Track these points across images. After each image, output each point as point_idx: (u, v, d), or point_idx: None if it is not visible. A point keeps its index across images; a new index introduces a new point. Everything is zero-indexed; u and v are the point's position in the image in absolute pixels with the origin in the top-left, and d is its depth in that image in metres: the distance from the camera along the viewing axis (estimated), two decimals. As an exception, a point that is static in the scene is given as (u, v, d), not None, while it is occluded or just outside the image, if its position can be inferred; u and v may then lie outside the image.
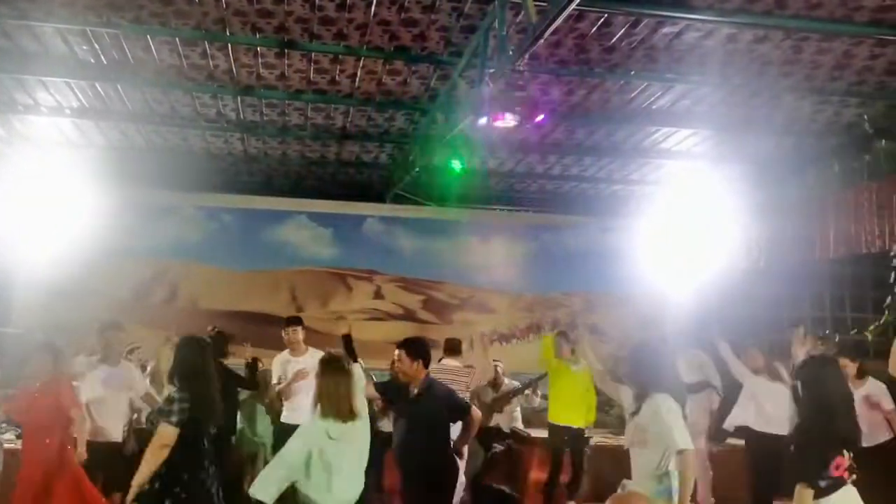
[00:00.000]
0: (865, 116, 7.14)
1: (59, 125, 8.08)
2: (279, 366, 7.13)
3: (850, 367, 6.39)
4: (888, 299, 7.23)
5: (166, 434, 4.48)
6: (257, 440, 7.68)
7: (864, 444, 4.36)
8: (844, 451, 3.59)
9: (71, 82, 6.88)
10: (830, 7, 5.13)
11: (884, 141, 7.07)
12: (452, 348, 7.58)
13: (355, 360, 5.58)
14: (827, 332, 8.35)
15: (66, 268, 8.96)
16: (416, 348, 5.35)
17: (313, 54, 6.18)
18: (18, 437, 6.47)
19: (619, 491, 3.94)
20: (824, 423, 3.63)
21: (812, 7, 5.13)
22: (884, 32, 5.44)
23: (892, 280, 7.15)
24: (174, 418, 4.48)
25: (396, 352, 5.49)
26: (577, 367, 7.51)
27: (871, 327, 7.77)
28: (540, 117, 5.15)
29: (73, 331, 8.95)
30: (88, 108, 7.54)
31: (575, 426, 7.48)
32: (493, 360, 8.90)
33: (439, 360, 7.37)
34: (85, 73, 6.58)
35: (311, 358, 6.48)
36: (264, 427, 7.68)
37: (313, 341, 7.44)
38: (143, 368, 8.15)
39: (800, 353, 6.36)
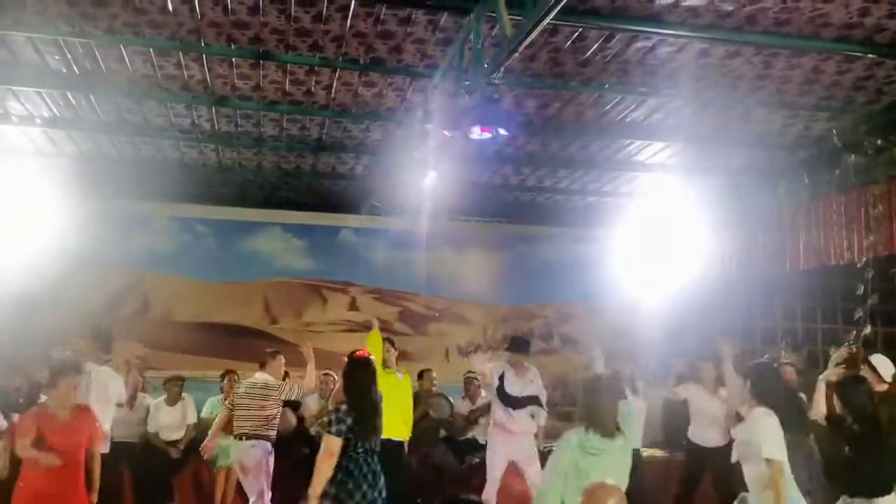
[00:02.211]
0: (835, 131, 7.27)
1: (30, 135, 7.97)
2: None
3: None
4: (858, 312, 7.32)
5: (331, 443, 4.70)
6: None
7: None
8: None
9: (42, 92, 6.80)
10: (799, 24, 5.22)
11: (853, 155, 7.18)
12: (263, 363, 7.31)
13: None
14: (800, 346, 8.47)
15: (37, 278, 8.82)
16: None
17: (289, 65, 6.17)
18: None
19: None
20: None
21: (781, 24, 5.22)
22: (851, 49, 5.56)
23: (860, 292, 7.24)
24: (333, 428, 4.72)
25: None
26: (400, 375, 7.48)
27: (849, 341, 7.86)
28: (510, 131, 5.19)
29: (43, 342, 8.87)
30: (60, 117, 7.46)
31: (395, 439, 7.16)
32: (468, 373, 8.91)
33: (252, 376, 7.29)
34: (57, 82, 6.50)
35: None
36: None
37: (286, 353, 7.44)
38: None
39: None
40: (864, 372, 5.91)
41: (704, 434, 7.29)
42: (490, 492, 7.05)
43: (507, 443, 7.02)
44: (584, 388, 4.61)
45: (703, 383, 7.37)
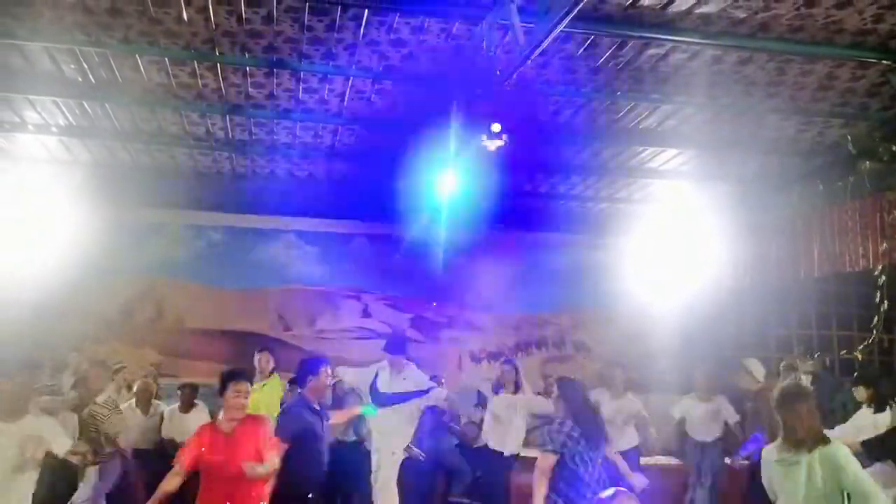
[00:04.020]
0: (849, 137, 7.23)
1: (46, 143, 8.05)
2: None
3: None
4: (875, 319, 7.27)
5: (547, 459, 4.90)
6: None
7: None
8: None
9: (58, 100, 6.87)
10: (812, 30, 5.20)
11: (867, 161, 7.14)
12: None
13: None
14: (817, 353, 8.43)
15: (51, 285, 8.87)
16: None
17: (302, 74, 6.21)
18: None
19: None
20: None
21: (795, 30, 5.20)
22: (865, 55, 5.53)
23: (877, 300, 7.19)
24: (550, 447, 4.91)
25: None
26: (259, 383, 7.28)
27: (861, 347, 7.82)
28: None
29: (57, 349, 8.93)
30: (76, 126, 7.52)
31: None
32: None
33: None
34: (72, 91, 6.56)
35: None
36: None
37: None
38: (129, 388, 8.11)
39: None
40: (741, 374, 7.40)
41: None
42: None
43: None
44: (779, 398, 4.38)
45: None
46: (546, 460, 4.95)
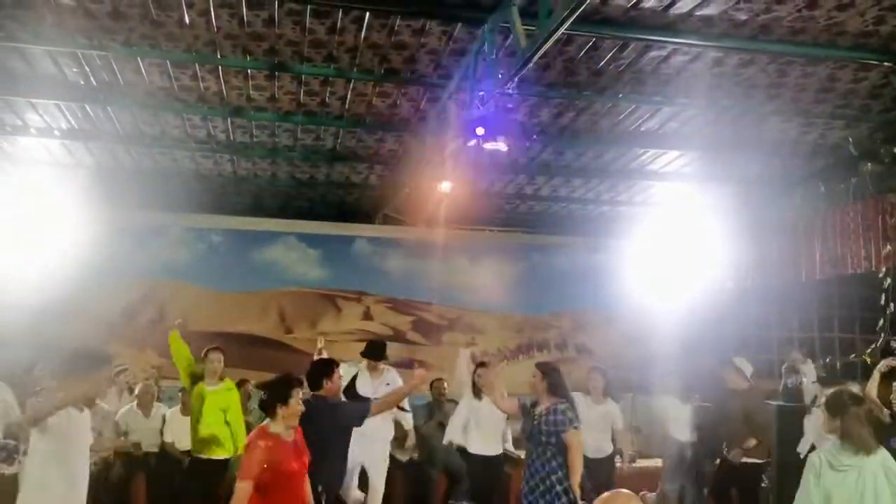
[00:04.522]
0: (851, 139, 7.22)
1: (48, 146, 8.06)
2: None
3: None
4: (881, 321, 7.26)
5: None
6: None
7: None
8: None
9: (60, 104, 6.88)
10: (814, 32, 5.20)
11: (869, 163, 7.14)
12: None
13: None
14: (828, 358, 8.43)
15: (54, 288, 8.88)
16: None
17: (303, 76, 6.21)
18: None
19: None
20: None
21: (796, 32, 5.20)
22: (866, 57, 5.53)
23: (882, 302, 7.17)
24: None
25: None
26: (213, 386, 6.77)
27: (868, 350, 7.80)
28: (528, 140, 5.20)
29: (59, 352, 8.92)
30: (78, 129, 7.53)
31: (219, 457, 6.68)
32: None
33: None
34: (75, 94, 6.58)
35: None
36: None
37: (305, 363, 7.41)
38: (131, 390, 8.12)
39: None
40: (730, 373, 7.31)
41: None
42: None
43: (358, 445, 6.32)
44: (834, 402, 4.28)
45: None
46: (578, 437, 5.40)
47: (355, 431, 5.59)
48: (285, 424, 4.49)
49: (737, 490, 7.32)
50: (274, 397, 4.50)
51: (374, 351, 7.17)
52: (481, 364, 7.23)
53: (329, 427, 5.18)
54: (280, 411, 4.46)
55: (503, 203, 10.17)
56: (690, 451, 7.47)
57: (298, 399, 4.54)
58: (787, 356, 7.99)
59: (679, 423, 7.57)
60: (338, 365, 5.72)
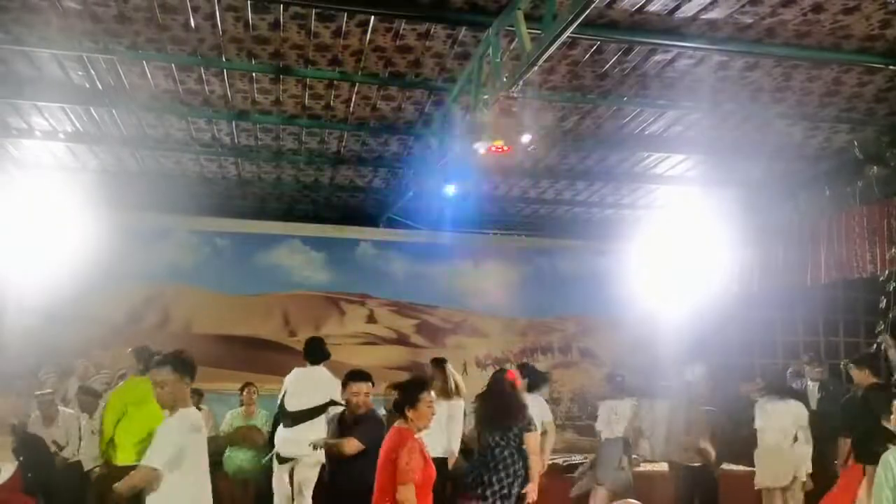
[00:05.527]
0: (856, 142, 7.21)
1: (53, 149, 8.08)
2: None
3: None
4: (879, 325, 7.24)
5: None
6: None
7: None
8: None
9: (66, 107, 6.90)
10: (819, 36, 5.20)
11: (874, 166, 7.12)
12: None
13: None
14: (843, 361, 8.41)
15: (58, 292, 8.90)
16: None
17: (308, 80, 6.22)
18: None
19: None
20: None
21: (801, 35, 5.19)
22: (872, 60, 5.52)
23: (882, 305, 7.16)
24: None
25: None
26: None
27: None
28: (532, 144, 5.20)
29: (64, 355, 8.95)
30: (83, 132, 7.55)
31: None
32: None
33: None
34: (80, 97, 6.59)
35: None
36: None
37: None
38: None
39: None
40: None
41: None
42: None
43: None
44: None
45: None
46: (537, 438, 6.10)
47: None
48: (419, 425, 4.46)
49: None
50: (405, 399, 4.49)
51: (314, 351, 7.01)
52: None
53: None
54: (409, 413, 4.44)
55: (507, 206, 10.16)
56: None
57: (428, 402, 4.49)
58: (793, 361, 7.99)
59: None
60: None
